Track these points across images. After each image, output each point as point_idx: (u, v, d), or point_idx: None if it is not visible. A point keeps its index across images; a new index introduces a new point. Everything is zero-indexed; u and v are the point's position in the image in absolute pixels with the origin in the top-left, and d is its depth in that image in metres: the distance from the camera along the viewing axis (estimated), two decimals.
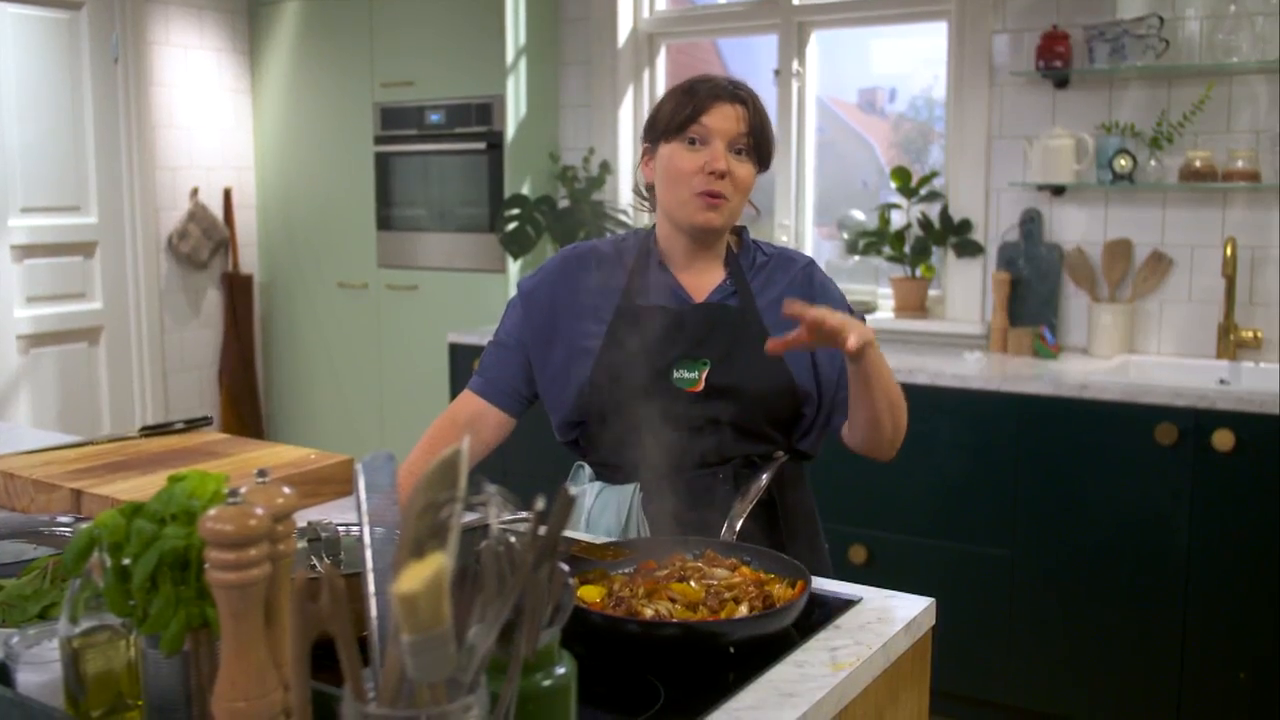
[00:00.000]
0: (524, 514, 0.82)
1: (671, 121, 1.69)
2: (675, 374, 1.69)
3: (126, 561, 0.94)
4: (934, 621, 1.45)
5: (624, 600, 1.31)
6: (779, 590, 1.36)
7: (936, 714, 3.18)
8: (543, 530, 0.81)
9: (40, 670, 1.04)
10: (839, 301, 1.78)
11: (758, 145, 1.70)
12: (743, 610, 1.30)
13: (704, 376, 1.69)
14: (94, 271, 4.31)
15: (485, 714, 0.80)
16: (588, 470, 1.82)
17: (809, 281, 1.79)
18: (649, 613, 1.28)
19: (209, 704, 0.90)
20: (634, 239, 1.83)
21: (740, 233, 1.84)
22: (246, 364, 4.80)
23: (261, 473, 0.94)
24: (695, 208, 1.69)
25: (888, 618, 1.38)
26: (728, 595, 1.33)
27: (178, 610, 0.93)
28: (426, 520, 0.74)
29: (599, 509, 1.76)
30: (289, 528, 0.92)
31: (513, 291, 2.23)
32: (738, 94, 1.69)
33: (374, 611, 0.88)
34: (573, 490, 0.79)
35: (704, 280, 1.77)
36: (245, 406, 4.79)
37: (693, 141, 1.68)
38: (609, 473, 1.77)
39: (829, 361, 1.73)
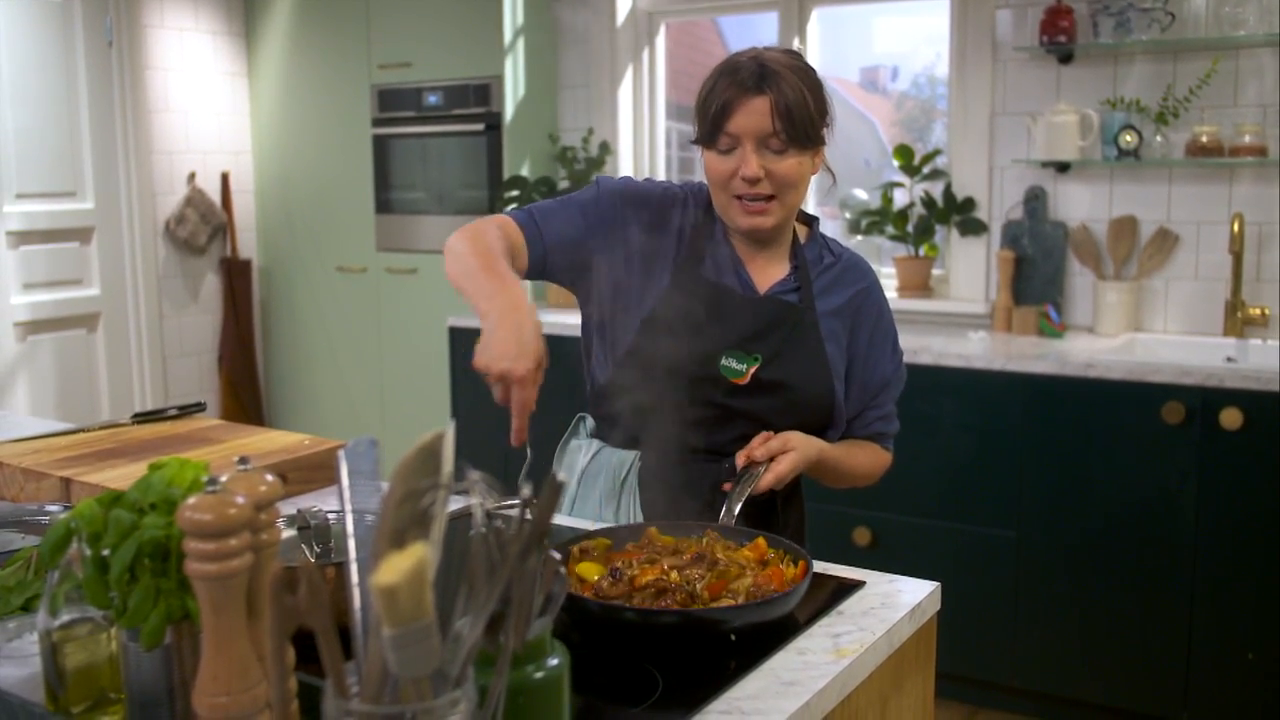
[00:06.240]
0: (511, 500, 0.79)
1: (701, 130, 1.61)
2: (724, 361, 1.63)
3: (105, 552, 0.92)
4: (939, 606, 1.43)
5: (621, 572, 1.28)
6: (783, 567, 1.34)
7: (942, 697, 3.18)
8: (530, 516, 0.78)
9: (19, 664, 1.02)
10: (888, 332, 1.76)
11: (797, 132, 1.55)
12: (746, 583, 1.28)
13: (752, 372, 1.63)
14: (91, 257, 4.28)
15: (473, 708, 0.77)
16: (589, 424, 1.77)
17: (869, 303, 1.74)
18: (648, 578, 1.25)
19: (192, 698, 0.87)
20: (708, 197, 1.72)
21: (811, 223, 1.78)
22: (246, 349, 4.77)
23: (243, 459, 0.92)
24: (737, 212, 1.62)
25: (892, 603, 1.35)
26: (733, 570, 1.31)
27: (158, 602, 0.91)
28: (407, 509, 0.71)
29: (594, 470, 1.71)
30: (272, 516, 0.89)
31: None
32: (762, 84, 1.54)
33: (356, 603, 0.85)
34: (562, 477, 0.76)
35: (769, 269, 1.71)
36: (245, 392, 4.77)
37: (724, 149, 1.59)
38: (611, 431, 1.70)
39: (860, 392, 1.72)
